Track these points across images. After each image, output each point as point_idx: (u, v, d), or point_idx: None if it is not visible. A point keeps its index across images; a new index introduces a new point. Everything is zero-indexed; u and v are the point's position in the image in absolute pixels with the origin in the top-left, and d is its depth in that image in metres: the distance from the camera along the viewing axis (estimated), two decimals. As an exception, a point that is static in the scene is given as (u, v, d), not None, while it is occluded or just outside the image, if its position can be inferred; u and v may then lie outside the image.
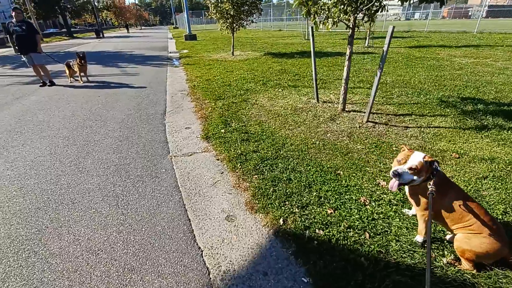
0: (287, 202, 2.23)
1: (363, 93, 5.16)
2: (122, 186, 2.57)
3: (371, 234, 1.88)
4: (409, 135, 3.36)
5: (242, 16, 10.04)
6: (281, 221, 2.04)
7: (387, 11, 3.62)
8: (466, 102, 4.41)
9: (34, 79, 7.66)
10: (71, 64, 6.97)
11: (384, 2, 3.47)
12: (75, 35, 33.11)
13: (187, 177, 2.72)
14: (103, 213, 2.22)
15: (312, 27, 4.24)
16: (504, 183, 2.36)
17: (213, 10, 9.81)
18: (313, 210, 2.13)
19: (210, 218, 2.15)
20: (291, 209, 2.15)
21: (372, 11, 3.60)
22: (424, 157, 1.52)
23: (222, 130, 3.67)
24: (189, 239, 1.94)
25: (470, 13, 41.04)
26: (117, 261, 1.77)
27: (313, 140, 3.32)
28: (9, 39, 6.51)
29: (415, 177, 1.54)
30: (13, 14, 6.21)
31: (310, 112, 4.24)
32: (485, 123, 3.56)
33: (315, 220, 2.02)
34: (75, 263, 1.77)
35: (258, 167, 2.76)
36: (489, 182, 2.39)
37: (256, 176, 2.61)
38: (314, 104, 4.62)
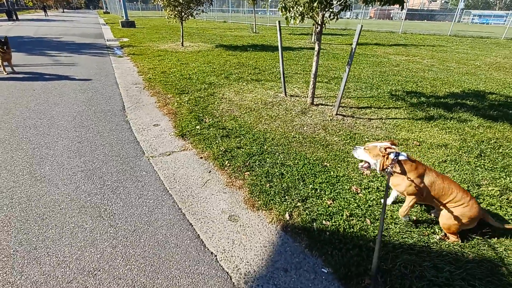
0: (287, 197, 2.26)
1: (322, 87, 5.45)
2: (100, 194, 2.27)
3: (371, 220, 2.03)
4: (374, 126, 3.68)
5: (191, 4, 9.58)
6: (286, 216, 2.06)
7: (351, 10, 3.85)
8: (411, 95, 5.02)
9: None
10: (-12, 51, 5.74)
11: (349, 1, 3.69)
12: (-25, 14, 27.29)
13: (173, 178, 2.53)
14: (86, 227, 1.93)
15: (279, 22, 4.28)
16: (460, 165, 2.77)
17: (160, -4, 9.12)
18: (314, 203, 2.20)
19: (212, 220, 2.05)
20: (294, 204, 2.18)
21: (337, 10, 3.80)
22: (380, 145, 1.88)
23: (198, 127, 3.49)
24: (197, 245, 1.82)
25: (391, 15, 46.39)
26: (122, 279, 1.57)
27: (292, 134, 3.39)
28: None
29: (371, 158, 1.90)
30: None
31: (280, 106, 4.31)
32: (431, 114, 4.12)
33: (319, 212, 2.09)
34: (69, 289, 1.51)
35: (247, 163, 2.71)
36: (448, 165, 2.79)
37: (248, 172, 2.57)
38: (282, 98, 4.71)
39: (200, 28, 19.33)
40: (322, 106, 4.36)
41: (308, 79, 5.96)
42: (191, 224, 2.00)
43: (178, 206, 2.18)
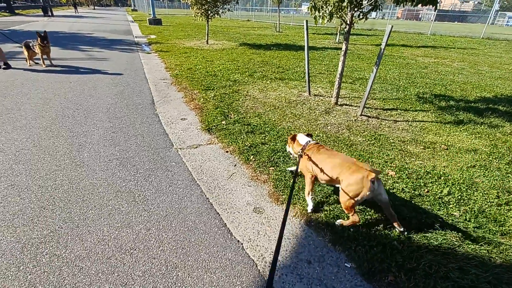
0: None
1: (347, 88, 5.41)
2: (134, 181, 2.42)
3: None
4: (400, 128, 3.63)
5: (218, 3, 9.75)
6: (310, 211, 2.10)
7: (381, 10, 3.81)
8: (439, 98, 4.88)
9: (-18, 60, 6.66)
10: (30, 45, 6.16)
11: (379, 1, 3.65)
12: (16, 11, 29.12)
13: (201, 170, 2.64)
14: (123, 210, 2.08)
15: (306, 21, 4.30)
16: (490, 171, 2.70)
17: (189, -6, 9.36)
18: (336, 201, 2.23)
19: (238, 211, 2.13)
20: (317, 199, 2.22)
21: (367, 10, 3.77)
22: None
23: (223, 122, 3.60)
24: (224, 232, 1.91)
25: (420, 16, 44.68)
26: (156, 259, 1.69)
27: (316, 132, 3.42)
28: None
29: (289, 148, 2.35)
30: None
31: (304, 105, 4.34)
32: (460, 118, 3.99)
33: (343, 210, 2.12)
34: (109, 264, 1.65)
35: (271, 159, 2.78)
36: (477, 170, 2.72)
37: (272, 168, 2.64)
38: (306, 97, 4.73)
39: (224, 26, 19.58)
40: (346, 107, 4.34)
41: (331, 79, 5.94)
42: (218, 213, 2.10)
43: (205, 196, 2.28)
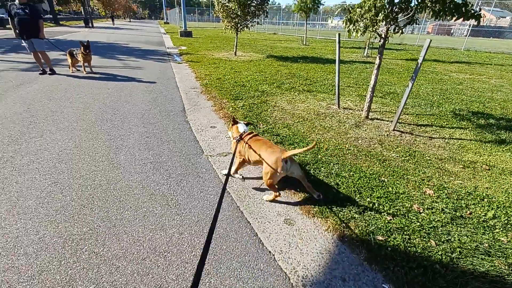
0: (343, 207, 2.24)
1: (377, 102, 5.29)
2: (167, 185, 2.48)
3: (436, 241, 1.92)
4: (436, 145, 3.47)
5: (247, 17, 10.02)
6: (343, 226, 2.04)
7: (418, 24, 3.73)
8: (477, 116, 4.63)
9: (31, 66, 7.27)
10: (74, 53, 6.65)
11: (416, 16, 3.58)
12: (61, 22, 31.65)
13: (231, 178, 2.66)
14: (156, 212, 2.13)
15: (339, 34, 4.29)
16: (541, 196, 2.49)
17: (220, 8, 9.71)
18: (372, 216, 2.15)
19: (268, 221, 2.11)
20: (351, 215, 2.15)
21: (403, 24, 3.70)
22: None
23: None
24: (256, 242, 1.89)
25: (452, 31, 43.19)
26: (188, 264, 1.70)
27: (347, 146, 3.35)
28: (10, 21, 6.07)
29: (229, 132, 2.65)
30: (17, -5, 5.85)
31: (334, 118, 4.29)
32: (502, 137, 3.75)
33: (378, 227, 2.04)
34: (144, 265, 1.68)
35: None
36: (526, 194, 2.52)
37: (303, 180, 2.60)
38: (335, 110, 4.67)
39: (251, 39, 20.03)
40: (377, 121, 4.23)
41: (361, 93, 5.84)
42: (248, 222, 2.09)
43: (236, 204, 2.28)
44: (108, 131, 3.54)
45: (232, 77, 6.75)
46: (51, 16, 30.58)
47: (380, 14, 3.47)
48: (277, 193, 2.26)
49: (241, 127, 2.53)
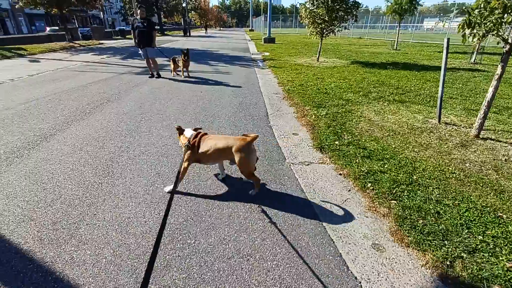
0: (446, 242, 1.92)
1: (489, 118, 4.40)
2: (251, 189, 2.57)
3: None
4: None
5: (334, 22, 9.72)
6: (446, 265, 1.74)
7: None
8: None
9: (143, 70, 8.62)
10: (176, 59, 7.61)
11: None
12: (165, 32, 36.83)
13: (313, 189, 2.59)
14: (240, 215, 2.22)
15: (448, 39, 3.75)
16: None
17: (307, 15, 9.69)
18: (485, 259, 1.77)
19: (354, 243, 1.96)
20: (457, 252, 1.83)
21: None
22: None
23: (336, 142, 3.47)
24: (340, 263, 1.78)
25: None
26: (270, 272, 1.71)
27: (450, 168, 2.88)
28: (132, 33, 7.34)
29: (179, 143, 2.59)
30: (138, 11, 7.03)
31: (432, 134, 3.75)
32: None
33: (494, 274, 1.67)
34: (229, 264, 1.76)
35: (393, 191, 2.48)
36: None
37: (395, 201, 2.34)
38: (435, 124, 4.09)
39: (334, 44, 19.43)
40: (491, 141, 3.52)
41: (467, 106, 4.98)
42: (332, 240, 1.98)
43: (319, 217, 2.20)
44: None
45: (314, 84, 6.64)
46: (158, 27, 35.92)
47: (506, 16, 2.88)
48: (258, 178, 2.41)
49: (188, 133, 2.47)
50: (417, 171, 2.82)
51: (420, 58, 11.74)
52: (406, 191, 2.47)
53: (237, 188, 2.58)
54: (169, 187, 2.52)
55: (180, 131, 2.54)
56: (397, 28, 16.67)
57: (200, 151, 2.32)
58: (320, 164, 3.05)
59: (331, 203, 2.39)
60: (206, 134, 2.46)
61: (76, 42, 19.95)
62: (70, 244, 1.90)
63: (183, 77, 7.62)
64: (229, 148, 2.24)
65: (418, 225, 2.07)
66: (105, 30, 27.83)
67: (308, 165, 3.04)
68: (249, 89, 6.44)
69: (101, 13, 31.66)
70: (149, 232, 2.01)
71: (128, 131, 3.86)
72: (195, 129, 2.52)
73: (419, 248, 1.88)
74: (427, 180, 2.66)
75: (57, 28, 27.18)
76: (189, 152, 2.32)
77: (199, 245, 1.91)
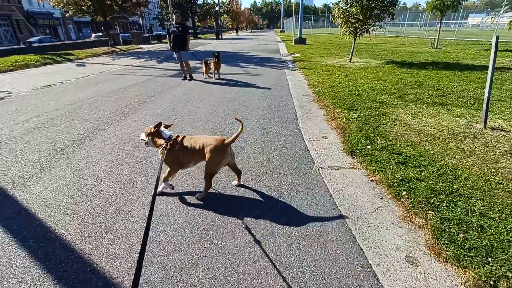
0: (490, 259, 1.75)
1: (547, 123, 3.96)
2: (277, 191, 2.56)
3: None
4: None
5: (369, 21, 9.35)
6: (490, 284, 1.59)
7: None
8: None
9: (176, 73, 8.98)
10: (208, 62, 7.81)
11: None
12: (198, 36, 38.04)
13: (342, 195, 2.51)
14: (267, 216, 2.22)
15: (497, 36, 3.43)
16: None
17: (340, 14, 9.44)
18: (539, 283, 1.59)
19: (385, 254, 1.87)
20: (501, 271, 1.66)
21: None
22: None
23: (368, 147, 3.33)
24: (370, 276, 1.70)
25: None
26: (295, 279, 1.68)
27: (497, 178, 2.63)
28: (167, 37, 7.67)
29: (147, 138, 2.43)
30: (174, 17, 7.34)
31: (477, 140, 3.46)
32: None
33: (549, 300, 1.49)
34: (255, 268, 1.76)
35: (430, 200, 2.32)
36: None
37: (432, 212, 2.19)
38: (479, 130, 3.77)
39: (368, 43, 18.71)
40: (549, 150, 3.16)
41: (520, 110, 4.52)
42: (362, 249, 1.90)
43: (347, 225, 2.13)
44: (230, 133, 3.96)
45: (346, 85, 6.45)
46: (192, 31, 37.20)
47: None
48: (211, 185, 2.41)
49: (165, 133, 2.39)
50: (459, 180, 2.61)
51: (463, 57, 10.89)
52: (445, 202, 2.30)
53: (265, 190, 2.58)
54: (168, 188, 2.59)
55: (156, 128, 2.40)
56: (438, 25, 15.61)
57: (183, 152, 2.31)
58: (350, 169, 2.95)
59: (361, 210, 2.30)
60: (185, 136, 2.45)
61: (118, 46, 21.35)
62: (107, 238, 2.03)
63: (214, 79, 7.80)
64: (205, 146, 2.26)
65: (459, 239, 1.92)
66: (144, 35, 29.42)
67: (337, 169, 2.95)
68: (278, 91, 6.42)
69: (140, 19, 33.57)
70: (178, 231, 2.08)
71: (161, 132, 4.03)
72: (158, 125, 2.40)
73: (458, 264, 1.74)
74: (470, 190, 2.45)
75: (101, 34, 29.29)
76: (171, 154, 2.28)
77: (226, 247, 1.93)
